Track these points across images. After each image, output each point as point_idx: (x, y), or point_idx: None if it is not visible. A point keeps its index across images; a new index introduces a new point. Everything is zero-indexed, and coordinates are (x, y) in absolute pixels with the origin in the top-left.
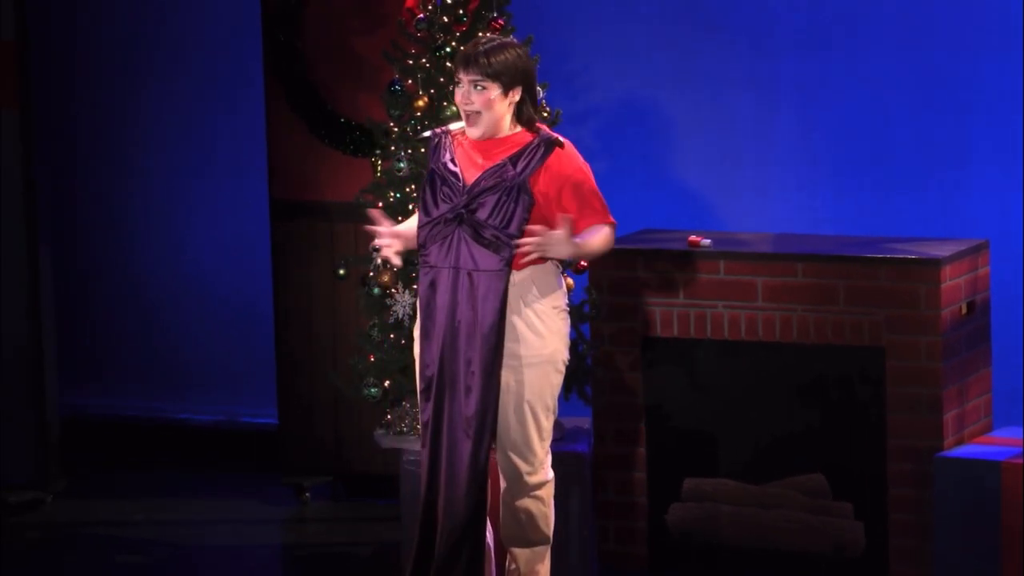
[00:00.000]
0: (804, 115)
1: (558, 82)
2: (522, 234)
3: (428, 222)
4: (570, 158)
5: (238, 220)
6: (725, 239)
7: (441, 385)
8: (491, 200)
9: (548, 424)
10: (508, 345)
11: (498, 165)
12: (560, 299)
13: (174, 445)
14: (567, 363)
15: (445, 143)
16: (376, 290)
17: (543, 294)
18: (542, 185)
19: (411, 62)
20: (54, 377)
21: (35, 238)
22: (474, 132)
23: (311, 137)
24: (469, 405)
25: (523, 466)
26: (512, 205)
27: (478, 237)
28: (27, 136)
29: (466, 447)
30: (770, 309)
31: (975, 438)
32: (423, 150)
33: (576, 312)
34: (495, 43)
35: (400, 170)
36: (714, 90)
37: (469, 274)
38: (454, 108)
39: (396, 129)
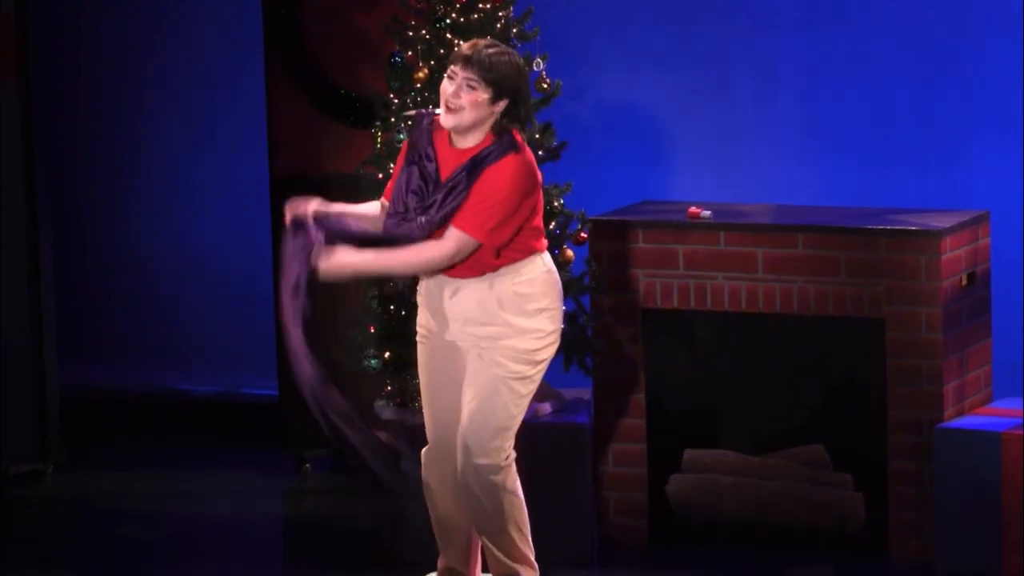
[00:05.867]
0: (805, 90)
1: (557, 56)
2: None
3: (398, 214)
4: (506, 170)
5: (238, 194)
6: (725, 211)
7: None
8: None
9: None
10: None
11: (463, 166)
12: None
13: (175, 417)
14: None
15: (426, 131)
16: None
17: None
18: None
19: (411, 34)
20: (54, 349)
21: (35, 213)
22: (448, 120)
23: (312, 110)
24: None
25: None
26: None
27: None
28: (26, 112)
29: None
30: (770, 281)
31: (975, 409)
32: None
33: (576, 284)
34: (500, 48)
35: (400, 141)
36: (715, 66)
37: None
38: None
39: (396, 101)
